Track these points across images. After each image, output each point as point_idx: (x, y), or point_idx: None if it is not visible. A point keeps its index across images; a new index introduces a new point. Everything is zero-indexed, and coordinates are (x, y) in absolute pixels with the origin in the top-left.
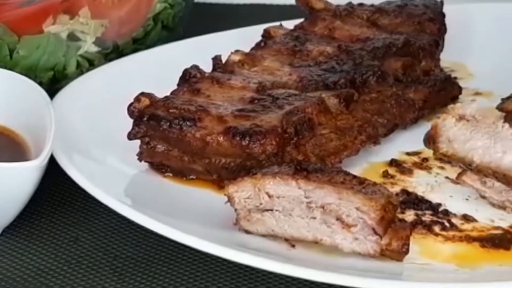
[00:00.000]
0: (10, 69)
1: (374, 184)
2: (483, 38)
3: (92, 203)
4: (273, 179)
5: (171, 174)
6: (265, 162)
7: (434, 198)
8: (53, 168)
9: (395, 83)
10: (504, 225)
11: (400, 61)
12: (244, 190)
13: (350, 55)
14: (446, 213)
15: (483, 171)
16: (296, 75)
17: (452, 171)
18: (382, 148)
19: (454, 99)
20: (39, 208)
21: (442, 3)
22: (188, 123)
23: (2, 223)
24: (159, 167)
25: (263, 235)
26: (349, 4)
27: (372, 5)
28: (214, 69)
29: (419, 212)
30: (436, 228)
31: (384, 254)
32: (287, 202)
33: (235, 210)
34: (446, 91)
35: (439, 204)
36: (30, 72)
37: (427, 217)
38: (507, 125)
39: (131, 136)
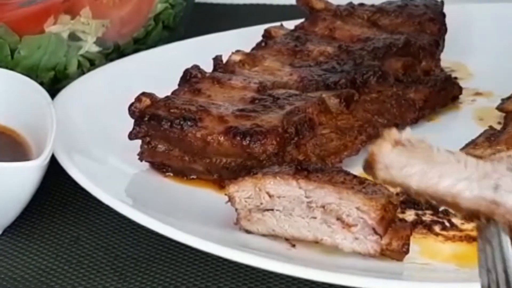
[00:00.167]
0: (11, 69)
1: (375, 184)
2: (483, 38)
3: (93, 202)
4: (273, 179)
5: (171, 174)
6: (265, 162)
7: None
8: (54, 168)
9: (395, 83)
10: None
11: (400, 61)
12: (244, 190)
13: (351, 55)
14: (447, 213)
15: (422, 196)
16: (297, 75)
17: None
18: None
19: (454, 99)
20: (40, 208)
21: (442, 3)
22: (189, 123)
23: (3, 223)
24: (160, 167)
25: (264, 235)
26: (350, 4)
27: (372, 5)
28: (214, 69)
29: (420, 212)
30: (437, 228)
31: (384, 254)
32: (288, 202)
33: (236, 209)
34: (446, 91)
35: None
36: (31, 72)
37: (428, 217)
38: (442, 148)
39: (132, 136)
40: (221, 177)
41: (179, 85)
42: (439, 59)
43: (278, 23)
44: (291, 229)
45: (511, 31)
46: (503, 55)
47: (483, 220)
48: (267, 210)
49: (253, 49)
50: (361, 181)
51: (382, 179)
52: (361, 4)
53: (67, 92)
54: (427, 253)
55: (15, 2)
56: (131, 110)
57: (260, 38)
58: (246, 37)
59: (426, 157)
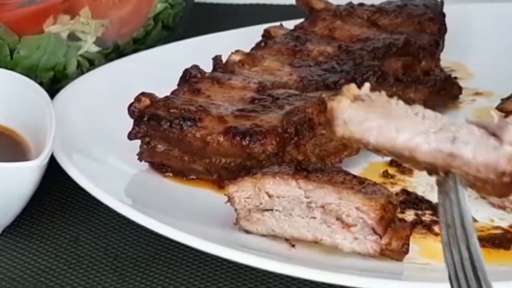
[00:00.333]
0: (11, 69)
1: (374, 184)
2: (483, 38)
3: (92, 203)
4: (273, 179)
5: (171, 174)
6: (265, 162)
7: (434, 198)
8: (53, 168)
9: (395, 83)
10: (504, 225)
11: (400, 61)
12: (244, 190)
13: (350, 55)
14: None
15: (380, 151)
16: (297, 75)
17: None
18: None
19: (454, 99)
20: (40, 208)
21: (442, 3)
22: (188, 123)
23: (2, 222)
24: (159, 167)
25: (263, 235)
26: (350, 4)
27: (372, 5)
28: (214, 69)
29: (419, 212)
30: (436, 228)
31: (384, 254)
32: (287, 202)
33: (235, 210)
34: (446, 91)
35: None
36: (30, 72)
37: (427, 217)
38: (401, 102)
39: (131, 136)
40: (221, 177)
41: (178, 85)
42: (439, 59)
43: (277, 23)
44: (290, 229)
45: (511, 31)
46: (503, 55)
47: (441, 174)
48: (267, 210)
49: (252, 49)
50: (361, 181)
51: (341, 135)
52: (361, 4)
53: (67, 92)
54: (427, 253)
55: (15, 2)
56: (131, 110)
57: (259, 38)
58: (246, 37)
59: (384, 111)
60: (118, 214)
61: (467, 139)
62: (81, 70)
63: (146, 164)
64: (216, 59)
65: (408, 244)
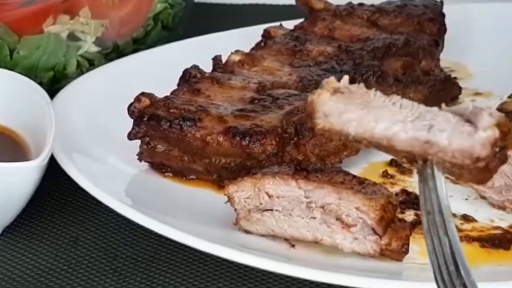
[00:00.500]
0: (11, 69)
1: (374, 184)
2: (483, 38)
3: (92, 203)
4: (273, 179)
5: (171, 174)
6: (265, 162)
7: None
8: (53, 168)
9: (395, 83)
10: (504, 225)
11: (400, 61)
12: (244, 190)
13: (350, 55)
14: None
15: (360, 142)
16: (296, 75)
17: None
18: None
19: (454, 99)
20: (39, 208)
21: (442, 3)
22: (188, 123)
23: (2, 222)
24: (159, 167)
25: (263, 235)
26: (349, 4)
27: (372, 5)
28: (214, 69)
29: (419, 212)
30: None
31: (384, 254)
32: (287, 202)
33: (235, 210)
34: (446, 91)
35: None
36: (30, 72)
37: None
38: (379, 93)
39: (131, 136)
40: (221, 177)
41: (178, 85)
42: (438, 59)
43: (277, 23)
44: (290, 229)
45: (511, 31)
46: (503, 55)
47: (420, 162)
48: (267, 210)
49: (252, 49)
50: (361, 181)
51: (322, 127)
52: (361, 4)
53: (66, 92)
54: (427, 253)
55: (15, 2)
56: (130, 110)
57: (259, 38)
58: (246, 37)
59: (363, 102)
60: (118, 214)
61: (443, 126)
62: (81, 70)
63: (146, 164)
64: (216, 59)
65: (408, 244)
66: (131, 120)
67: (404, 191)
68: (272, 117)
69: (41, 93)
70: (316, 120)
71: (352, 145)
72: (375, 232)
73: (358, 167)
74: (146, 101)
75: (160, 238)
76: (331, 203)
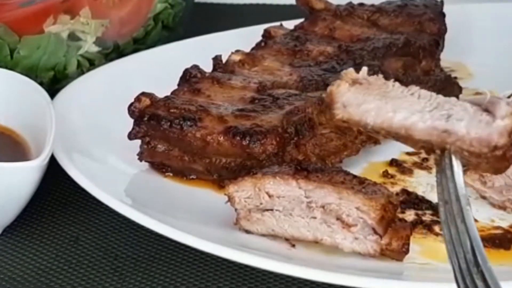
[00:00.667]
0: (11, 69)
1: (374, 184)
2: (483, 38)
3: (92, 203)
4: (273, 179)
5: (171, 174)
6: (265, 162)
7: (434, 198)
8: (53, 168)
9: None
10: (504, 225)
11: (400, 61)
12: (244, 190)
13: (351, 55)
14: None
15: (378, 132)
16: (297, 75)
17: None
18: (382, 148)
19: None
20: (40, 208)
21: (442, 3)
22: (188, 123)
23: (2, 222)
24: (159, 167)
25: (263, 235)
26: (350, 4)
27: (372, 5)
28: (214, 69)
29: (419, 212)
30: (436, 228)
31: (384, 254)
32: (287, 201)
33: (235, 210)
34: (446, 91)
35: None
36: (30, 72)
37: (427, 217)
38: (397, 83)
39: (131, 136)
40: (221, 177)
41: (178, 85)
42: (439, 59)
43: (277, 23)
44: (291, 229)
45: (511, 31)
46: (503, 55)
47: (438, 152)
48: (267, 210)
49: (252, 49)
50: (361, 181)
51: (340, 117)
52: (361, 4)
53: (67, 92)
54: (427, 253)
55: (15, 2)
56: (131, 110)
57: (259, 38)
58: (246, 37)
59: (382, 93)
60: (118, 214)
61: (461, 115)
62: (81, 70)
63: (146, 164)
64: (216, 59)
65: (408, 244)
66: (132, 120)
67: (404, 191)
68: (273, 117)
69: (41, 93)
70: (335, 110)
71: (353, 145)
72: (376, 232)
73: (358, 167)
74: (146, 101)
75: (160, 238)
76: (332, 203)
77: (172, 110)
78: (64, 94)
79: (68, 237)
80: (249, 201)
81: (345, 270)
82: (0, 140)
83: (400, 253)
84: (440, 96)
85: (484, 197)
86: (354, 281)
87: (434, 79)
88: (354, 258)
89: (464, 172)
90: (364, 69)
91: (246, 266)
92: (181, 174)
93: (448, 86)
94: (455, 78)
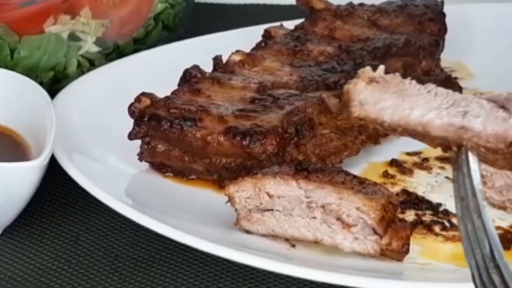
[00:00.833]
0: (11, 69)
1: (374, 184)
2: (483, 38)
3: (92, 203)
4: (273, 179)
5: (171, 174)
6: (265, 162)
7: (434, 198)
8: (53, 168)
9: None
10: (504, 225)
11: (400, 61)
12: (244, 190)
13: (351, 55)
14: (446, 213)
15: (395, 130)
16: (297, 75)
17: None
18: (382, 148)
19: None
20: (40, 208)
21: (442, 3)
22: (188, 123)
23: (2, 223)
24: (159, 167)
25: (264, 235)
26: (350, 4)
27: (372, 5)
28: (214, 69)
29: (419, 212)
30: (436, 228)
31: (384, 254)
32: (288, 202)
33: (236, 210)
34: None
35: (439, 204)
36: (31, 72)
37: (427, 217)
38: (414, 81)
39: (131, 136)
40: (221, 177)
41: (179, 85)
42: (439, 59)
43: (277, 23)
44: (291, 229)
45: (511, 31)
46: (503, 55)
47: (454, 149)
48: (267, 210)
49: (253, 49)
50: (361, 181)
51: (357, 115)
52: (361, 4)
53: (67, 92)
54: (427, 253)
55: (15, 2)
56: (131, 110)
57: (260, 38)
58: (246, 37)
59: (398, 91)
60: (118, 214)
61: (477, 112)
62: (81, 70)
63: (146, 164)
64: (216, 59)
65: (408, 244)
66: (132, 120)
67: (404, 191)
68: (273, 117)
69: (41, 93)
70: (351, 108)
71: (353, 145)
72: (376, 232)
73: (358, 167)
74: (146, 101)
75: (160, 238)
76: (332, 203)
77: (172, 110)
78: (64, 94)
79: (68, 237)
80: (249, 201)
81: (345, 270)
82: (0, 140)
83: (400, 253)
84: (457, 93)
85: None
86: (354, 281)
87: (434, 79)
88: (354, 258)
89: None
90: (381, 67)
91: (246, 266)
92: (181, 174)
93: (448, 86)
94: (455, 78)
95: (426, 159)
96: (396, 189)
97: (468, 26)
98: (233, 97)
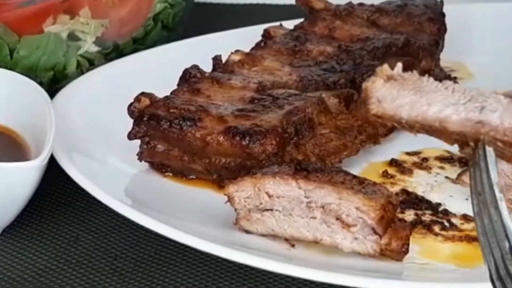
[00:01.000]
0: (11, 69)
1: (374, 184)
2: (483, 38)
3: (92, 203)
4: (273, 179)
5: (171, 174)
6: (265, 162)
7: (434, 198)
8: (53, 168)
9: None
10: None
11: (400, 61)
12: (244, 190)
13: (350, 55)
14: (446, 213)
15: (413, 126)
16: (296, 75)
17: (452, 171)
18: (382, 148)
19: None
20: (39, 208)
21: (442, 3)
22: (188, 123)
23: (2, 223)
24: (159, 167)
25: (263, 235)
26: (349, 4)
27: (372, 5)
28: (214, 69)
29: (419, 212)
30: (436, 228)
31: (384, 254)
32: (287, 201)
33: (235, 210)
34: None
35: (439, 204)
36: (30, 72)
37: (427, 217)
38: (431, 78)
39: (131, 136)
40: (221, 177)
41: (178, 85)
42: (438, 59)
43: (277, 23)
44: (290, 229)
45: (511, 31)
46: (503, 55)
47: (471, 144)
48: (267, 210)
49: (252, 49)
50: (361, 181)
51: (375, 112)
52: (361, 4)
53: (66, 92)
54: (427, 253)
55: (15, 2)
56: (130, 110)
57: (259, 38)
58: (246, 37)
59: (416, 88)
60: (118, 214)
61: (494, 107)
62: (81, 70)
63: (146, 164)
64: (216, 59)
65: (408, 244)
66: (131, 120)
67: (404, 191)
68: (272, 117)
69: (41, 93)
70: (369, 105)
71: (353, 145)
72: (375, 232)
73: (358, 167)
74: (146, 101)
75: (160, 238)
76: (331, 203)
77: (171, 110)
78: (64, 94)
79: (68, 237)
80: (249, 201)
81: (345, 270)
82: (0, 140)
83: (400, 253)
84: (474, 89)
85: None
86: (354, 281)
87: (434, 79)
88: (354, 258)
89: (462, 173)
90: (399, 65)
91: (246, 266)
92: (181, 174)
93: None
94: (455, 78)
95: (425, 159)
96: (396, 189)
97: (468, 26)
98: (232, 97)
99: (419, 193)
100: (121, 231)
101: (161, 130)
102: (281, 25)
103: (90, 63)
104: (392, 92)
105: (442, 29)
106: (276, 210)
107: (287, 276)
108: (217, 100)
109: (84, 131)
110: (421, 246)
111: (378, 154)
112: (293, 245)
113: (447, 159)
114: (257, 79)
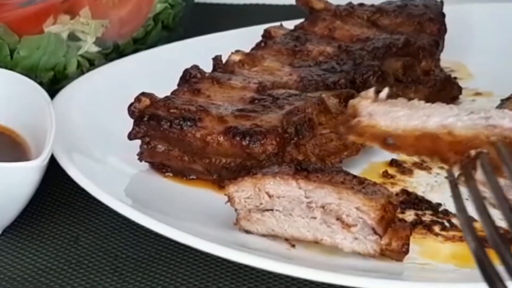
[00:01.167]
0: (11, 69)
1: (374, 184)
2: (483, 38)
3: (92, 203)
4: (273, 179)
5: (171, 174)
6: (265, 162)
7: (434, 198)
8: (53, 168)
9: (395, 83)
10: (504, 225)
11: (400, 61)
12: (244, 190)
13: (350, 55)
14: (446, 213)
15: (408, 138)
16: (297, 75)
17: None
18: None
19: (454, 99)
20: (40, 208)
21: (442, 3)
22: (188, 123)
23: (2, 223)
24: (159, 167)
25: (263, 235)
26: (349, 4)
27: (372, 5)
28: (214, 69)
29: (419, 212)
30: (436, 228)
31: (384, 254)
32: (287, 202)
33: (235, 210)
34: (446, 91)
35: (439, 204)
36: (30, 72)
37: (427, 217)
38: (422, 101)
39: (131, 136)
40: (221, 177)
41: (178, 85)
42: (438, 59)
43: (277, 23)
44: (290, 229)
45: (511, 31)
46: (503, 55)
47: (473, 153)
48: (267, 210)
49: (252, 49)
50: (361, 181)
51: (365, 125)
52: (361, 4)
53: (67, 92)
54: (427, 253)
55: (15, 2)
56: (131, 110)
57: (259, 38)
58: (246, 37)
59: (409, 105)
60: (118, 214)
61: (501, 116)
62: (81, 70)
63: (146, 164)
64: (216, 59)
65: (408, 244)
66: (131, 120)
67: (404, 191)
68: (272, 117)
69: (41, 93)
70: (360, 118)
71: (353, 145)
72: (375, 232)
73: (358, 167)
74: (146, 101)
75: (160, 238)
76: (332, 203)
77: (172, 110)
78: (64, 94)
79: (68, 237)
80: (249, 201)
81: (345, 270)
82: (0, 140)
83: (400, 253)
84: (473, 106)
85: (484, 198)
86: (354, 281)
87: (434, 79)
88: (354, 258)
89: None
90: (386, 90)
91: (246, 266)
92: (181, 174)
93: (448, 86)
94: (455, 78)
95: (425, 159)
96: (396, 189)
97: (468, 26)
98: (232, 97)
99: (419, 193)
100: (121, 231)
101: (161, 130)
102: (281, 25)
103: (90, 63)
104: (384, 107)
105: (442, 29)
106: (277, 210)
107: (287, 276)
108: (217, 100)
109: (84, 131)
110: (421, 246)
111: (378, 154)
112: (293, 245)
113: None
114: (257, 79)
